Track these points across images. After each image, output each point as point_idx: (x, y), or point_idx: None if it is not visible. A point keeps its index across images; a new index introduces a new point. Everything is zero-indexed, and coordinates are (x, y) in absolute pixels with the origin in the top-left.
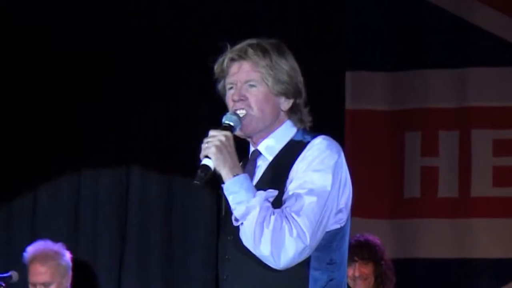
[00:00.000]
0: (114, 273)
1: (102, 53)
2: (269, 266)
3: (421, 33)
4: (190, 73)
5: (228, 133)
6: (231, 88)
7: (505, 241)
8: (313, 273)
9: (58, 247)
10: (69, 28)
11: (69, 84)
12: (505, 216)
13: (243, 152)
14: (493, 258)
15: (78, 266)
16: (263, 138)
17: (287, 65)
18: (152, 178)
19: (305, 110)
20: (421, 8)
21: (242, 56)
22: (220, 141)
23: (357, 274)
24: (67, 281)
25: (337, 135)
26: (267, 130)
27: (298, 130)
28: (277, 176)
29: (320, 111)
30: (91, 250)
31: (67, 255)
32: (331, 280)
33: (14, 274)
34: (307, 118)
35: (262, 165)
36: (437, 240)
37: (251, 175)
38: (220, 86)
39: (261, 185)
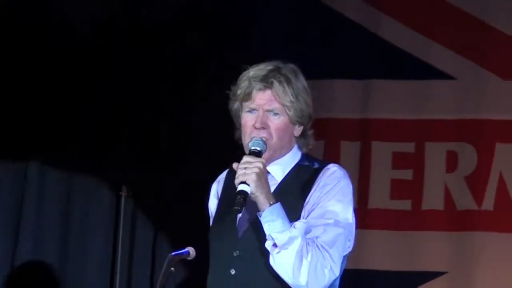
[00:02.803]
0: (5, 270)
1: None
2: (280, 282)
3: (327, 43)
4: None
5: (263, 160)
6: (249, 111)
7: (399, 254)
8: None
9: None
10: None
11: None
12: (401, 229)
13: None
14: (387, 271)
15: None
16: (274, 160)
17: (306, 94)
18: (51, 175)
19: (310, 133)
20: (329, 18)
21: (267, 85)
22: (259, 168)
23: None
24: None
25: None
26: (279, 154)
27: (302, 155)
28: (290, 197)
29: (228, 118)
30: None
31: None
32: None
33: (191, 250)
34: (311, 142)
35: (270, 184)
36: None
37: None
38: (235, 106)
39: None
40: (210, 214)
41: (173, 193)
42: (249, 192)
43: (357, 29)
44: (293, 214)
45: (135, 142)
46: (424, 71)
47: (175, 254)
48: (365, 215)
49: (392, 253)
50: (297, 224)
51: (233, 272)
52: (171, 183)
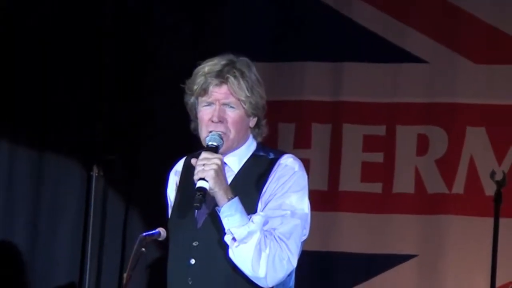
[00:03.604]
0: None
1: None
2: (239, 273)
3: (300, 25)
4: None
5: (220, 156)
6: (206, 105)
7: (369, 237)
8: None
9: None
10: None
11: None
12: (371, 212)
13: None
14: (357, 253)
15: None
16: (230, 151)
17: (259, 86)
18: (21, 155)
19: (264, 123)
20: (301, 0)
21: (223, 80)
22: (217, 164)
23: None
24: None
25: None
26: (236, 146)
27: (257, 144)
28: (246, 188)
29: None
30: None
31: None
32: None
33: (162, 231)
34: (265, 131)
35: (227, 175)
36: None
37: None
38: (191, 100)
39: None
40: (168, 203)
41: (144, 173)
42: (207, 188)
43: (329, 11)
44: (249, 204)
45: (106, 121)
46: (396, 54)
47: (146, 235)
48: (335, 198)
49: (362, 236)
50: (255, 218)
51: (192, 262)
52: (141, 163)
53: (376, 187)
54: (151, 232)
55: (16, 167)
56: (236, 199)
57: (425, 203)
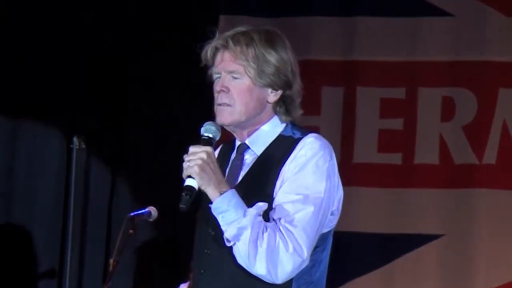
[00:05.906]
0: None
1: None
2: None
3: None
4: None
5: (208, 148)
6: (217, 78)
7: (388, 214)
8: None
9: None
10: None
11: None
12: (390, 186)
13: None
14: (375, 233)
15: None
16: (251, 132)
17: (274, 56)
18: None
19: (296, 102)
20: None
21: (224, 45)
22: (202, 159)
23: None
24: None
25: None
26: (253, 123)
27: (287, 125)
28: (265, 172)
29: (195, 56)
30: None
31: None
32: (311, 282)
33: (153, 210)
34: (297, 110)
35: (249, 159)
36: None
37: (238, 170)
38: (209, 73)
39: (248, 180)
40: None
41: (131, 146)
42: (195, 186)
43: None
44: (267, 189)
45: (89, 90)
46: (417, 7)
47: (134, 215)
48: (350, 171)
49: (380, 214)
50: (249, 211)
51: (208, 251)
52: (128, 135)
53: (395, 158)
54: (140, 211)
55: None
56: (229, 192)
57: (451, 176)
